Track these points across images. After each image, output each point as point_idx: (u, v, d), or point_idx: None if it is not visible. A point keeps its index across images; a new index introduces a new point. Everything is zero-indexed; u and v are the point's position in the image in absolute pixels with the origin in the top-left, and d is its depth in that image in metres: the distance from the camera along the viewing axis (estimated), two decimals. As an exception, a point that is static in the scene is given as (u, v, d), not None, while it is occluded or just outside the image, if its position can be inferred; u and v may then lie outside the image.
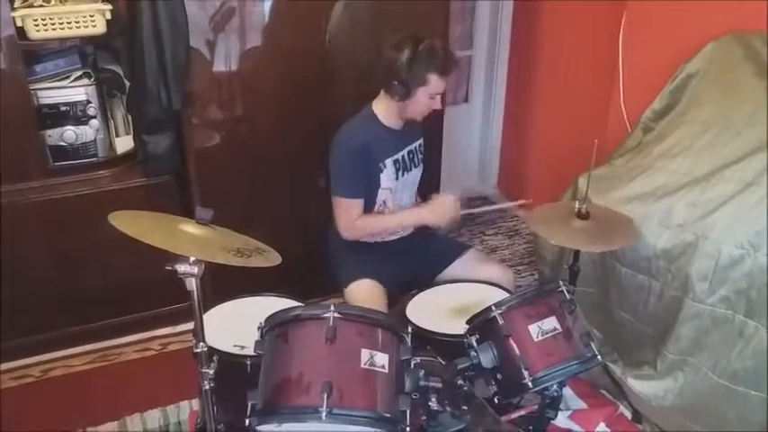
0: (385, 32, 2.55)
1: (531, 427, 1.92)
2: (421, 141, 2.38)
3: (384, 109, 2.22)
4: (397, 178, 2.27)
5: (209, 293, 1.92)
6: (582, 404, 2.38)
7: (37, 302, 2.57)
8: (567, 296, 1.82)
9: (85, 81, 2.51)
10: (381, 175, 2.22)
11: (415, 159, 2.35)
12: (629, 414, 2.33)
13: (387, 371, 1.48)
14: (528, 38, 3.57)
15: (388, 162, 2.23)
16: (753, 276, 1.90)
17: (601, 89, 2.91)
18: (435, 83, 2.09)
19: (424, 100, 2.12)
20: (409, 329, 1.60)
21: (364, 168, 2.19)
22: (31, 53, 2.39)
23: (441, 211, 2.23)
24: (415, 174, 2.37)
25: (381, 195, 2.26)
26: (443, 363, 1.76)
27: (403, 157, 2.28)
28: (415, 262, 2.36)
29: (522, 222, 3.80)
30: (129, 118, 2.67)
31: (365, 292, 2.19)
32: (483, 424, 1.64)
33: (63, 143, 2.51)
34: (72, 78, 2.50)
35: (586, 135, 2.08)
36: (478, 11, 3.77)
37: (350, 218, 2.22)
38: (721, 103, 2.22)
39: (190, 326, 1.58)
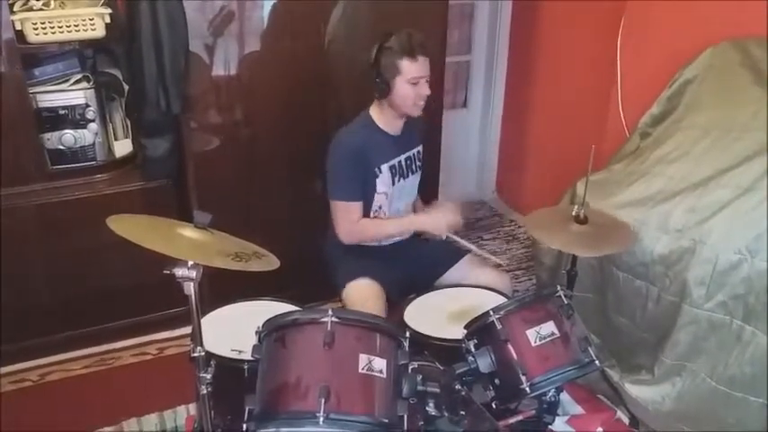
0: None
1: (528, 432, 1.92)
2: (420, 148, 2.38)
3: (379, 114, 2.23)
4: (393, 184, 2.27)
5: (207, 298, 1.91)
6: (579, 409, 2.38)
7: (35, 306, 2.57)
8: (565, 301, 1.82)
9: (84, 84, 2.52)
10: (377, 180, 2.22)
11: (413, 166, 2.35)
12: (626, 419, 2.33)
13: (384, 376, 1.48)
14: (526, 43, 3.58)
15: (384, 167, 2.23)
16: (750, 282, 1.90)
17: (599, 94, 2.92)
18: (408, 68, 2.09)
19: (405, 88, 2.12)
20: (407, 334, 1.60)
21: (361, 171, 2.19)
22: (30, 56, 2.39)
23: (440, 217, 2.24)
24: (413, 180, 2.37)
25: (377, 200, 2.26)
26: (441, 368, 1.76)
27: (400, 162, 2.28)
28: (413, 266, 2.35)
29: (520, 227, 3.81)
30: (128, 122, 2.68)
31: (364, 291, 2.18)
32: (480, 429, 1.64)
33: (62, 147, 2.51)
34: (71, 82, 2.50)
35: (585, 140, 2.09)
36: (477, 15, 3.78)
37: (349, 221, 2.22)
38: (719, 109, 2.22)
39: (187, 330, 1.58)
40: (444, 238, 2.27)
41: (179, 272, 1.40)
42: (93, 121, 2.54)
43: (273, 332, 1.54)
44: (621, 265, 2.19)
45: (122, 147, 2.70)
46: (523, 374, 1.71)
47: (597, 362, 1.77)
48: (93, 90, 2.53)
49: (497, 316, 1.77)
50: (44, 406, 2.45)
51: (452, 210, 2.25)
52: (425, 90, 2.15)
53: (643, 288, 2.15)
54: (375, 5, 2.59)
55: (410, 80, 2.11)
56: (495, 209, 4.09)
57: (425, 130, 2.43)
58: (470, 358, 1.77)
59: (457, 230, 2.27)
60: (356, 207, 2.21)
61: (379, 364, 1.48)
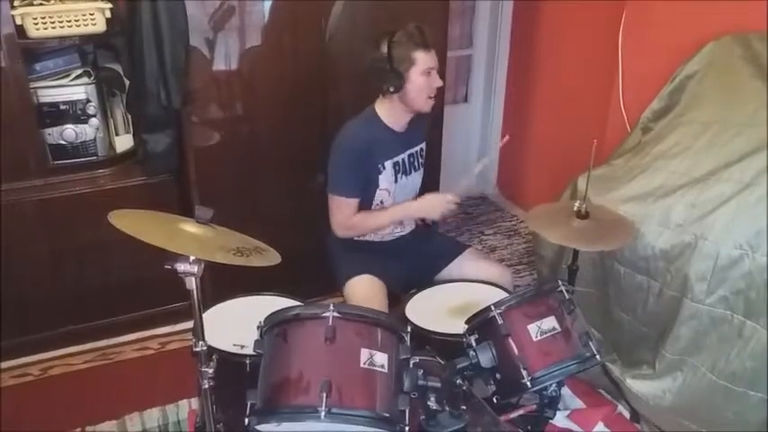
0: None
1: (529, 427, 1.92)
2: (423, 146, 2.38)
3: (386, 110, 2.22)
4: (396, 180, 2.27)
5: (209, 292, 1.92)
6: (580, 404, 2.39)
7: (37, 301, 2.58)
8: (566, 296, 1.82)
9: (85, 80, 2.51)
10: (380, 176, 2.22)
11: (416, 163, 2.35)
12: (627, 414, 2.34)
13: (386, 370, 1.48)
14: (528, 38, 3.57)
15: (388, 164, 2.23)
16: (751, 277, 1.90)
17: (600, 89, 2.92)
18: (422, 58, 2.11)
19: (420, 80, 2.13)
20: (408, 329, 1.61)
21: (363, 168, 2.19)
22: (30, 51, 2.39)
23: (431, 204, 2.23)
24: (415, 177, 2.36)
25: (379, 196, 2.26)
26: (442, 362, 1.76)
27: (403, 159, 2.28)
28: (415, 261, 2.36)
29: (521, 222, 3.81)
30: (129, 117, 2.68)
31: (365, 288, 2.19)
32: (481, 423, 1.64)
33: (63, 142, 2.51)
34: (72, 77, 2.50)
35: (586, 135, 2.08)
36: (478, 10, 3.77)
37: (344, 216, 2.22)
38: (720, 104, 2.22)
39: (189, 325, 1.58)
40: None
41: (181, 267, 1.40)
42: (94, 116, 2.54)
43: (275, 327, 1.54)
44: (623, 260, 2.19)
45: (123, 142, 2.70)
46: (524, 369, 1.71)
47: (598, 356, 1.77)
48: (93, 85, 2.53)
49: (498, 311, 1.77)
50: (46, 400, 2.45)
51: (442, 198, 2.24)
52: (438, 81, 2.17)
53: (644, 283, 2.15)
54: (376, 0, 2.58)
55: (424, 71, 2.12)
56: (497, 204, 4.09)
57: (427, 126, 2.42)
58: (471, 353, 1.77)
59: (451, 216, 2.26)
60: (353, 203, 2.21)
61: (381, 358, 1.48)
